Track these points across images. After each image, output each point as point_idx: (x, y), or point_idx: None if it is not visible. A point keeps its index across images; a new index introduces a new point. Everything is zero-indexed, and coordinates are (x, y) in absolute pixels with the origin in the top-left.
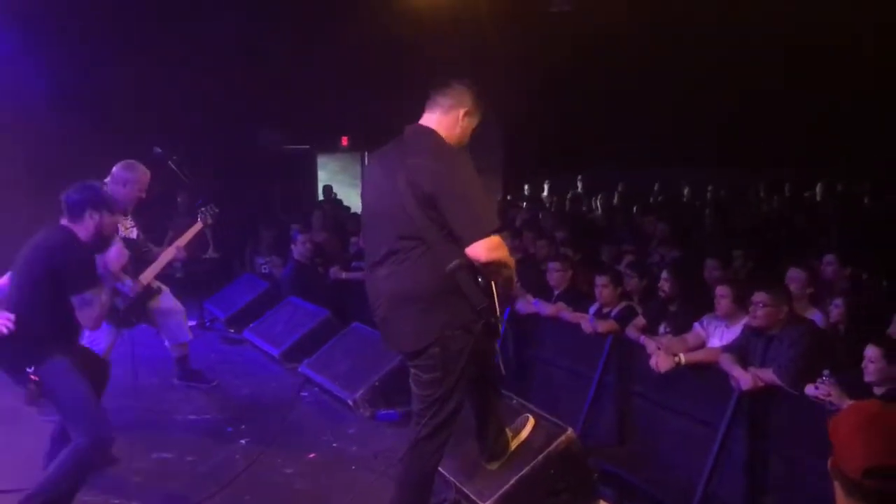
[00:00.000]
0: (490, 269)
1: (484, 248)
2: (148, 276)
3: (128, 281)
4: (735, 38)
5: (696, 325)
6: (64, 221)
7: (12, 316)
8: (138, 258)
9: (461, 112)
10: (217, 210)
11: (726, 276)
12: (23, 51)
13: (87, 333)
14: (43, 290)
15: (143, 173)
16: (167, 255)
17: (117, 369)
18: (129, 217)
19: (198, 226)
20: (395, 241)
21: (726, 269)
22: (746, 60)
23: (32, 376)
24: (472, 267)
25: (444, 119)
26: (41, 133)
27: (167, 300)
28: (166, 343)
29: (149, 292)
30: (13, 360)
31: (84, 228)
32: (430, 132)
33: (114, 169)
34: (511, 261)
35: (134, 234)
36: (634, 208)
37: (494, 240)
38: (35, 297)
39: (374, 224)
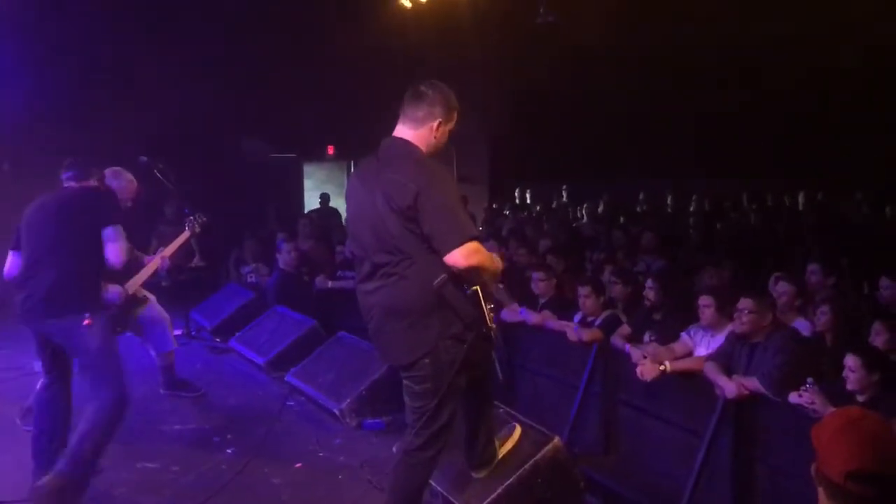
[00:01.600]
0: (471, 274)
1: (461, 255)
2: (133, 284)
3: (113, 289)
4: (715, 49)
5: (684, 334)
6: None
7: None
8: (124, 265)
9: (434, 124)
10: (205, 219)
11: (709, 286)
12: (7, 62)
13: None
14: (88, 238)
15: (129, 181)
16: (153, 264)
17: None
18: None
19: (185, 234)
20: (380, 256)
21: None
22: (728, 71)
23: (86, 321)
24: (458, 279)
25: (417, 131)
26: (25, 143)
27: (152, 309)
28: (151, 352)
29: (134, 301)
30: (80, 306)
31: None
32: (404, 144)
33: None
34: (491, 261)
35: None
36: (621, 218)
37: (471, 245)
38: (82, 246)
39: (359, 239)
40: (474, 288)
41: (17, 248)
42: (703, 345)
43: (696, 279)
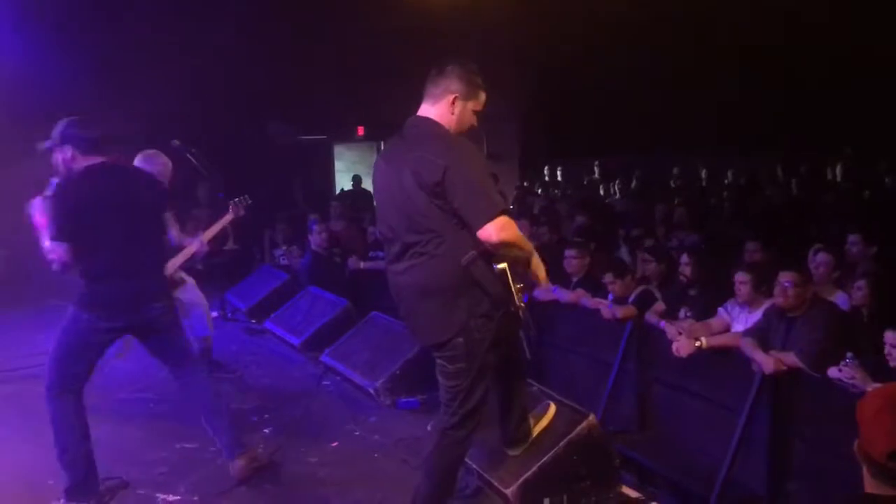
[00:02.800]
0: (503, 250)
1: (494, 229)
2: (170, 267)
3: None
4: (749, 17)
5: (721, 310)
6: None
7: None
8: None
9: (450, 98)
10: (250, 201)
11: (745, 263)
12: (39, 45)
13: None
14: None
15: (163, 164)
16: (193, 246)
17: (139, 362)
18: None
19: (229, 216)
20: (409, 236)
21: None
22: (760, 41)
23: None
24: (487, 257)
25: (437, 108)
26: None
27: (191, 293)
28: (189, 335)
29: (171, 283)
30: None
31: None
32: (427, 122)
33: (135, 160)
34: (523, 241)
35: None
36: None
37: (503, 219)
38: (159, 227)
39: (387, 220)
40: (503, 266)
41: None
42: (740, 321)
43: (732, 254)
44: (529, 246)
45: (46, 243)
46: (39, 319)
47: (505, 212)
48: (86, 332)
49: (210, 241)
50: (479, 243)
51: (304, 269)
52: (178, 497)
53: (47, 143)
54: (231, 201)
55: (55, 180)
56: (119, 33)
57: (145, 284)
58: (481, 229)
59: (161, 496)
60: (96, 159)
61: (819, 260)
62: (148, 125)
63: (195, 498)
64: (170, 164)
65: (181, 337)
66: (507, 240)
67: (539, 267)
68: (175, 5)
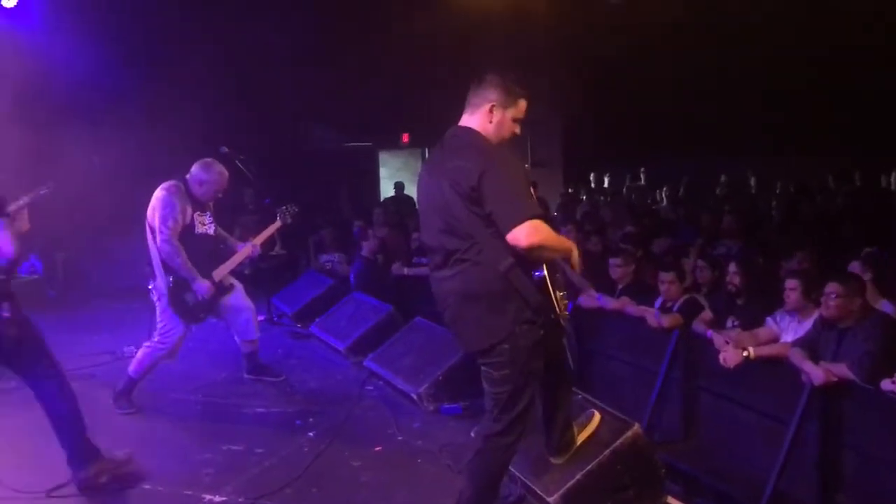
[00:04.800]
0: (535, 254)
1: (523, 233)
2: (221, 272)
3: (200, 284)
4: (800, 21)
5: (769, 319)
6: None
7: None
8: (213, 254)
9: (488, 107)
10: (296, 209)
11: (795, 269)
12: (94, 53)
13: (159, 326)
14: None
15: (219, 173)
16: (244, 251)
17: (188, 363)
18: (206, 213)
19: (277, 224)
20: (451, 243)
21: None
22: (812, 45)
23: None
24: (525, 264)
25: (476, 117)
26: (106, 138)
27: (238, 298)
28: (236, 339)
29: (221, 288)
30: None
31: None
32: (466, 131)
33: (192, 167)
34: (557, 240)
35: (211, 230)
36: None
37: (533, 223)
38: None
39: (430, 228)
40: (543, 273)
41: None
42: (789, 330)
43: (780, 263)
44: (566, 244)
45: None
46: (94, 321)
47: (536, 216)
48: None
49: (262, 247)
50: (515, 250)
51: (355, 275)
52: (224, 498)
53: None
54: (279, 209)
55: None
56: (168, 40)
57: None
58: (510, 233)
59: (207, 497)
60: None
61: (859, 268)
62: (197, 131)
63: (240, 499)
64: (226, 172)
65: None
66: (536, 244)
67: (575, 257)
68: (223, 12)
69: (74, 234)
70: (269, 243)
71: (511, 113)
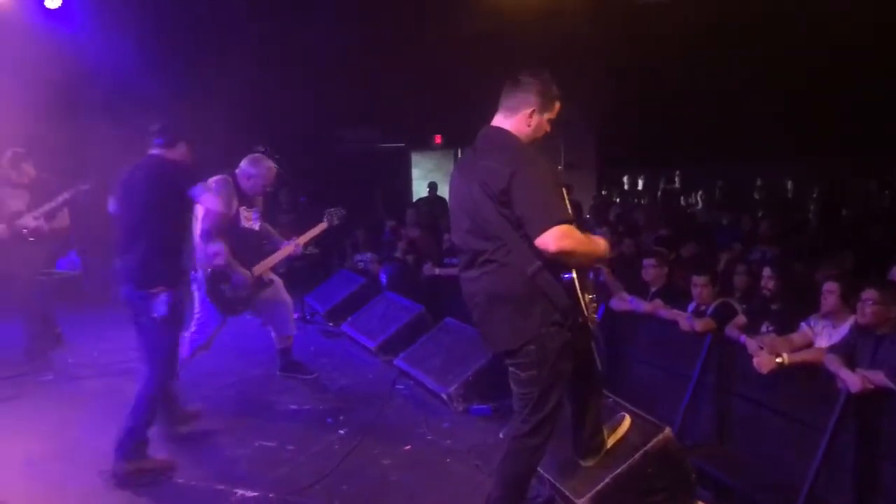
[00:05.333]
0: (563, 259)
1: (551, 238)
2: (261, 268)
3: (238, 275)
4: (839, 24)
5: (804, 324)
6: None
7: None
8: (256, 249)
9: (527, 112)
10: (344, 212)
11: (834, 273)
12: (129, 57)
13: (196, 317)
14: (171, 208)
15: (268, 168)
16: (286, 249)
17: (222, 359)
18: (253, 210)
19: (323, 226)
20: (479, 244)
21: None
22: (852, 47)
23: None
24: (554, 267)
25: (512, 119)
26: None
27: (277, 293)
28: (272, 334)
29: (260, 283)
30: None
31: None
32: (499, 132)
33: (241, 163)
34: (586, 245)
35: (256, 225)
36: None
37: (562, 228)
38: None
39: (459, 229)
40: (571, 277)
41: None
42: (824, 336)
43: (817, 269)
44: (598, 249)
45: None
46: (122, 317)
47: (567, 221)
48: None
49: (304, 246)
50: (542, 253)
51: (386, 275)
52: (256, 493)
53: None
54: (326, 211)
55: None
56: (207, 42)
57: (129, 266)
58: (539, 238)
59: (240, 491)
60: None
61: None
62: (231, 130)
63: (271, 495)
64: (274, 168)
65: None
66: (564, 249)
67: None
68: (257, 13)
69: (112, 230)
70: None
71: (547, 115)
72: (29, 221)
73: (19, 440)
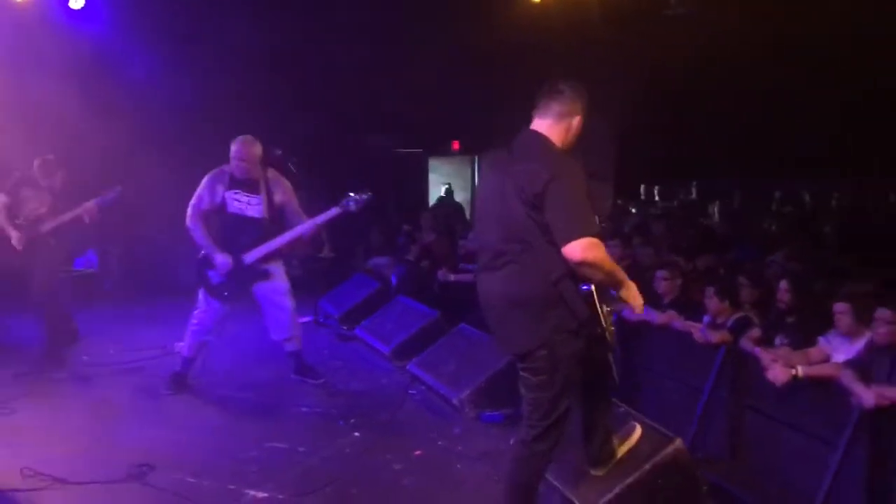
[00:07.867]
0: (585, 270)
1: (579, 248)
2: (255, 254)
3: (221, 258)
4: (857, 38)
5: (821, 339)
6: None
7: None
8: (250, 236)
9: (575, 120)
10: (366, 197)
11: (845, 292)
12: (152, 58)
13: (200, 306)
14: None
15: (240, 144)
16: (283, 238)
17: (236, 361)
18: (253, 195)
19: (335, 210)
20: (502, 244)
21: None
22: (866, 62)
23: None
24: (576, 276)
25: (556, 125)
26: (168, 136)
27: (277, 291)
28: (272, 336)
29: (250, 271)
30: None
31: None
32: (539, 137)
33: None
34: (611, 266)
35: (253, 212)
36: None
37: (591, 240)
38: None
39: (484, 227)
40: (590, 287)
41: None
42: (841, 351)
43: (835, 282)
44: (620, 274)
45: None
46: (149, 314)
47: (596, 235)
48: None
49: (303, 247)
50: (566, 262)
51: (398, 279)
52: (266, 494)
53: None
54: (345, 196)
55: None
56: (229, 46)
57: None
58: (567, 245)
59: (251, 492)
60: None
61: None
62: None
63: (281, 496)
64: (247, 145)
65: None
66: (590, 260)
67: (635, 297)
68: (281, 20)
69: (129, 228)
70: (316, 245)
71: (578, 125)
72: (46, 227)
73: (30, 436)
